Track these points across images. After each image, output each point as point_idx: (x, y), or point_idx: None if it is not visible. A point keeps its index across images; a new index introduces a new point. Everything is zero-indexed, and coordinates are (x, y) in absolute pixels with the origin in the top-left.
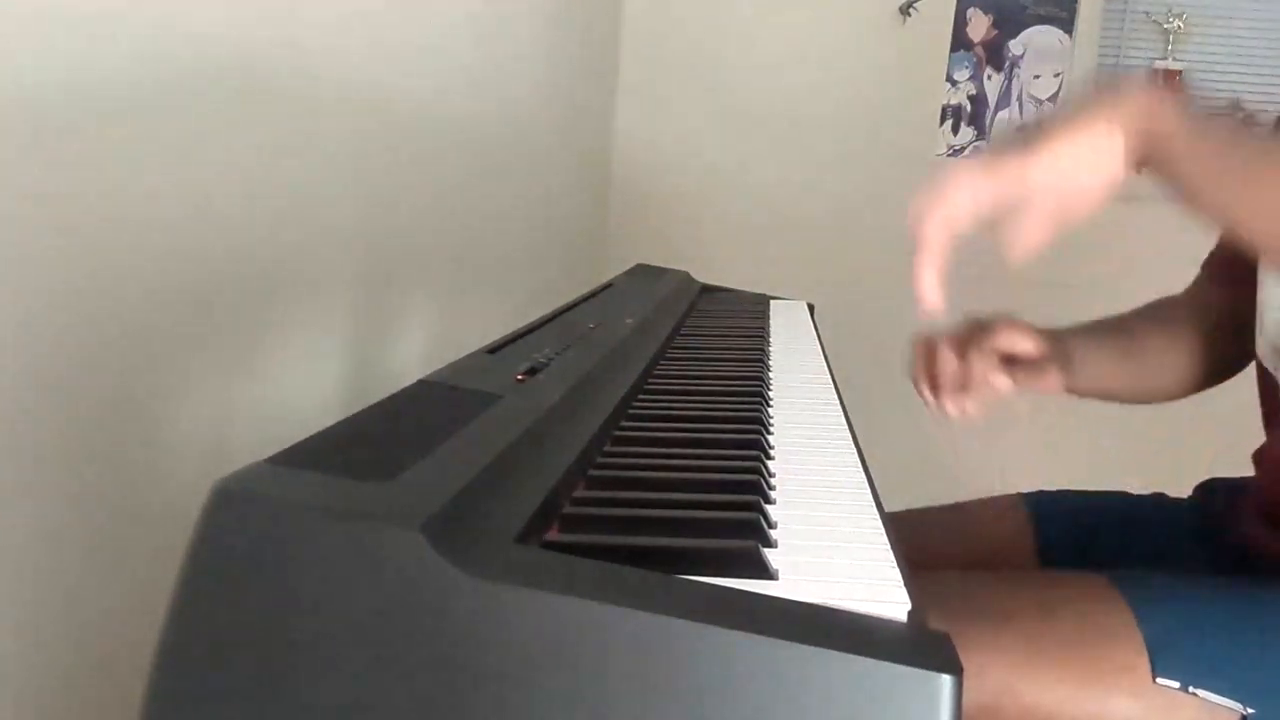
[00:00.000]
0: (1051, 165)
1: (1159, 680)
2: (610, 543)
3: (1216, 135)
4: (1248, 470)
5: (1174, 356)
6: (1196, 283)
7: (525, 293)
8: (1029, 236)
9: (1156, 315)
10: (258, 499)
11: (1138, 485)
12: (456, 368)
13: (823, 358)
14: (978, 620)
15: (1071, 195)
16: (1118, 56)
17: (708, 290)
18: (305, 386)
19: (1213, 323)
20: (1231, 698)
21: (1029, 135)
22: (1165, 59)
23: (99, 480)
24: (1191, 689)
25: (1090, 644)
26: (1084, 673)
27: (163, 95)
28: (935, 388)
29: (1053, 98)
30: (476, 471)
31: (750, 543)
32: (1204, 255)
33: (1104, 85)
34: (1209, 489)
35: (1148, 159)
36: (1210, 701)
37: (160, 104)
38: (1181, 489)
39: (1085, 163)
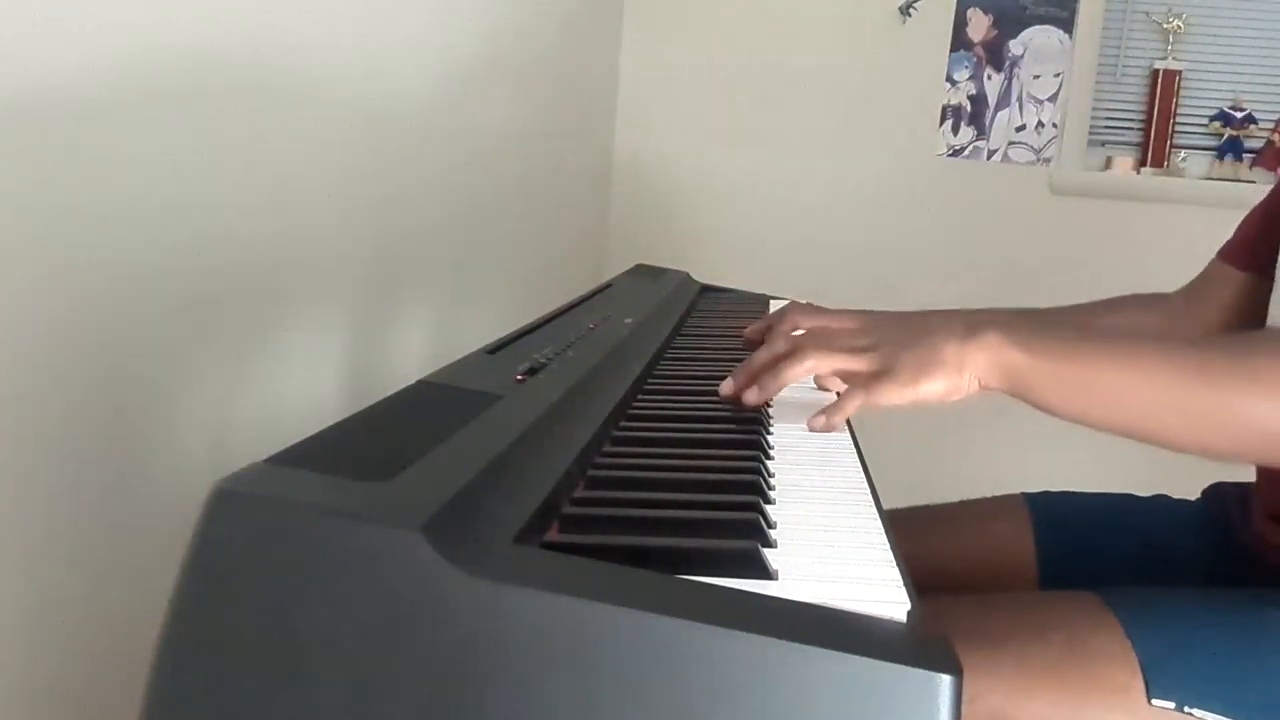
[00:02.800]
0: (900, 397)
1: (1154, 701)
2: (610, 543)
3: (1065, 358)
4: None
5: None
6: (1204, 275)
7: (525, 293)
8: (842, 411)
9: (1122, 304)
10: (258, 499)
11: (1144, 487)
12: (456, 368)
13: None
14: (969, 645)
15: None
16: (1118, 56)
17: (708, 290)
18: (305, 386)
19: (1211, 317)
20: (1228, 717)
21: (887, 352)
22: (1165, 59)
23: (99, 480)
24: (1187, 709)
25: (1084, 666)
26: (1079, 695)
27: (163, 95)
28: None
29: (1052, 98)
30: (476, 471)
31: (750, 543)
32: (1203, 255)
33: (957, 326)
34: (1216, 492)
35: (1007, 391)
36: None
37: (161, 104)
38: (1188, 492)
39: (934, 396)
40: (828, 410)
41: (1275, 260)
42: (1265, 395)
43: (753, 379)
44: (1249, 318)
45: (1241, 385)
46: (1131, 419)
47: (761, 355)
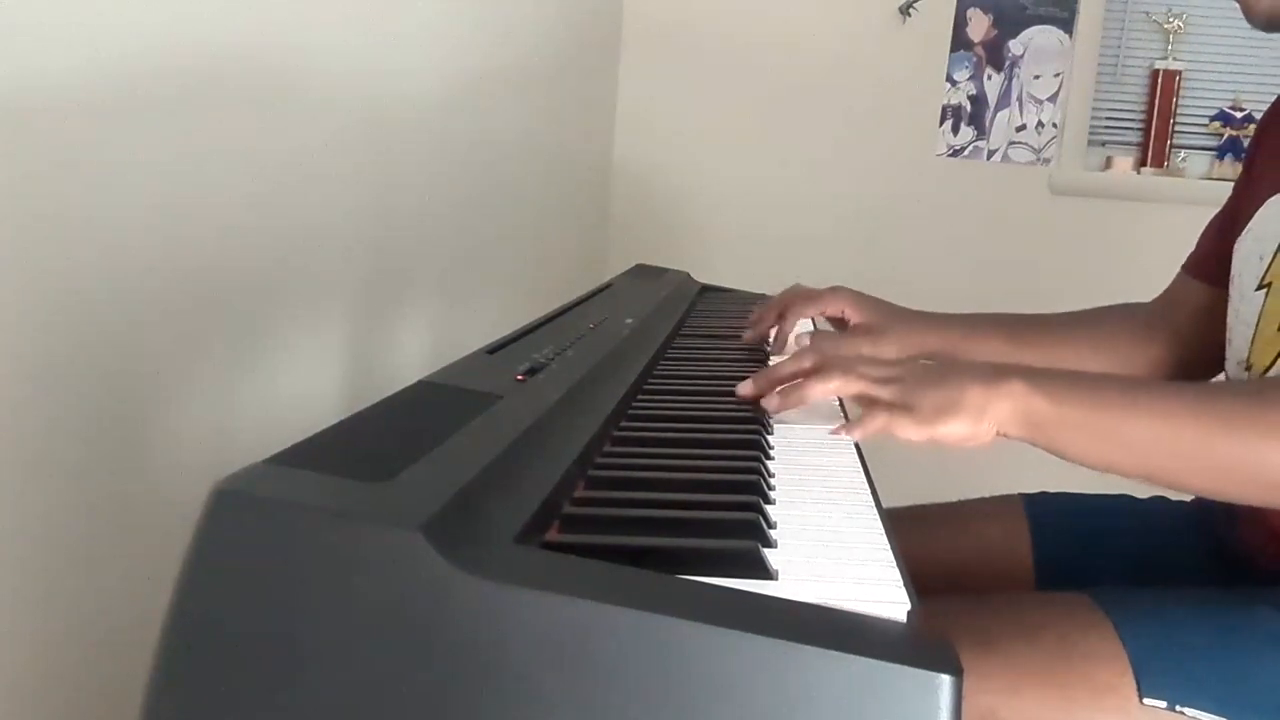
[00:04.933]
0: (918, 433)
1: (1145, 701)
2: (610, 543)
3: (1090, 407)
4: None
5: (1104, 357)
6: (1171, 287)
7: (525, 293)
8: (864, 430)
9: (1096, 316)
10: (258, 499)
11: (1141, 489)
12: (456, 368)
13: None
14: (960, 644)
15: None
16: (1118, 56)
17: (708, 290)
18: (305, 386)
19: (1183, 328)
20: (1220, 716)
21: (911, 388)
22: (1165, 59)
23: (99, 480)
24: (1179, 708)
25: (1075, 665)
26: (1069, 695)
27: (163, 95)
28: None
29: (1053, 97)
30: (476, 471)
31: (750, 543)
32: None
33: (982, 372)
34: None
35: (1028, 439)
36: None
37: (161, 104)
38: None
39: (952, 438)
40: (850, 425)
41: (1230, 272)
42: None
43: (774, 386)
44: (1220, 327)
45: (1260, 436)
46: (1155, 469)
47: (788, 367)
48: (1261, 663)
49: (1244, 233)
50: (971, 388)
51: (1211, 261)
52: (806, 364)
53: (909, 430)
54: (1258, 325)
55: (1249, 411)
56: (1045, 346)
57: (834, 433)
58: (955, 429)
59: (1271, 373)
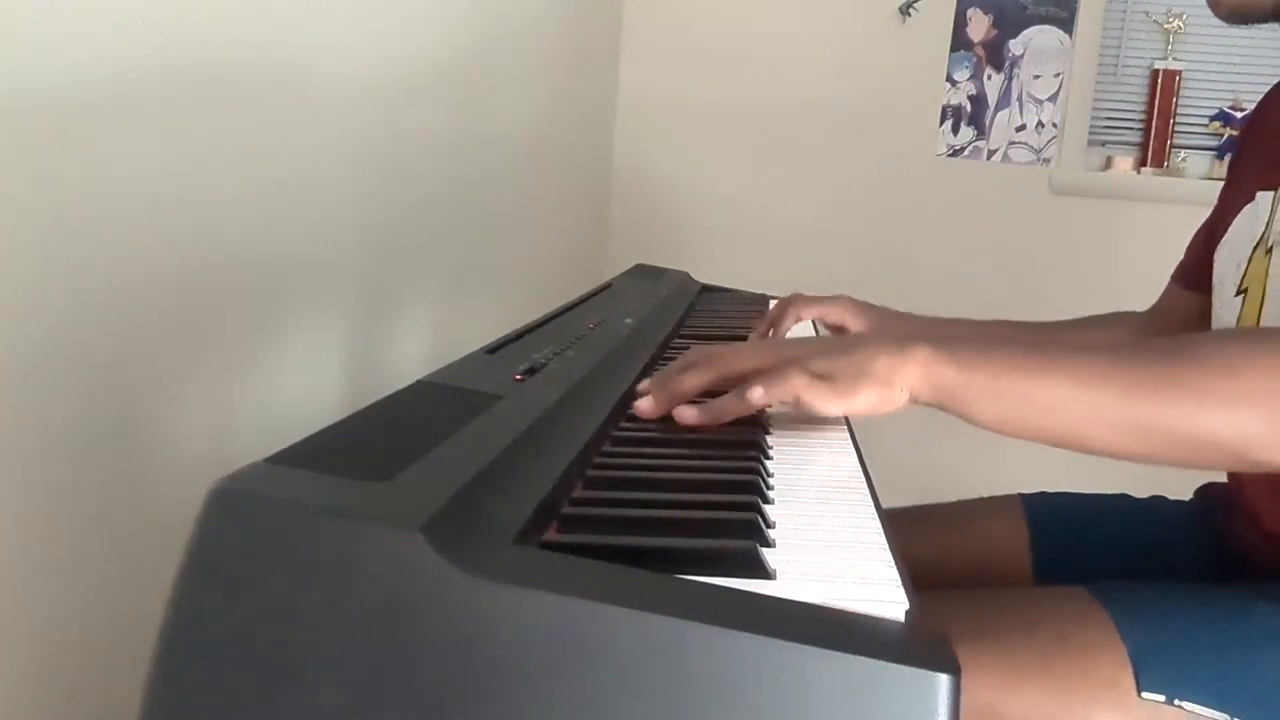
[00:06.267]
0: (834, 404)
1: (1144, 694)
2: (609, 543)
3: (995, 372)
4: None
5: None
6: (1162, 296)
7: (525, 293)
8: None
9: (1091, 324)
10: (257, 499)
11: (1139, 488)
12: (456, 368)
13: None
14: (957, 640)
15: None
16: (1118, 56)
17: (708, 290)
18: (305, 386)
19: (1180, 332)
20: (1218, 709)
21: (822, 361)
22: (1165, 59)
23: (99, 480)
24: (1177, 702)
25: (1073, 659)
26: (1067, 689)
27: (163, 95)
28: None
29: (1053, 97)
30: (476, 471)
31: (749, 543)
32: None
33: (888, 341)
34: (1205, 493)
35: (937, 404)
36: (1197, 714)
37: (161, 104)
38: (1183, 493)
39: (865, 406)
40: (757, 386)
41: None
42: (1195, 405)
43: (680, 400)
44: None
45: (1178, 395)
46: (1067, 433)
47: (680, 386)
48: (1259, 657)
49: (1222, 240)
50: (879, 356)
51: (1197, 270)
52: (700, 379)
53: (823, 402)
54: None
55: (1165, 370)
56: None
57: (746, 395)
58: (867, 399)
59: None
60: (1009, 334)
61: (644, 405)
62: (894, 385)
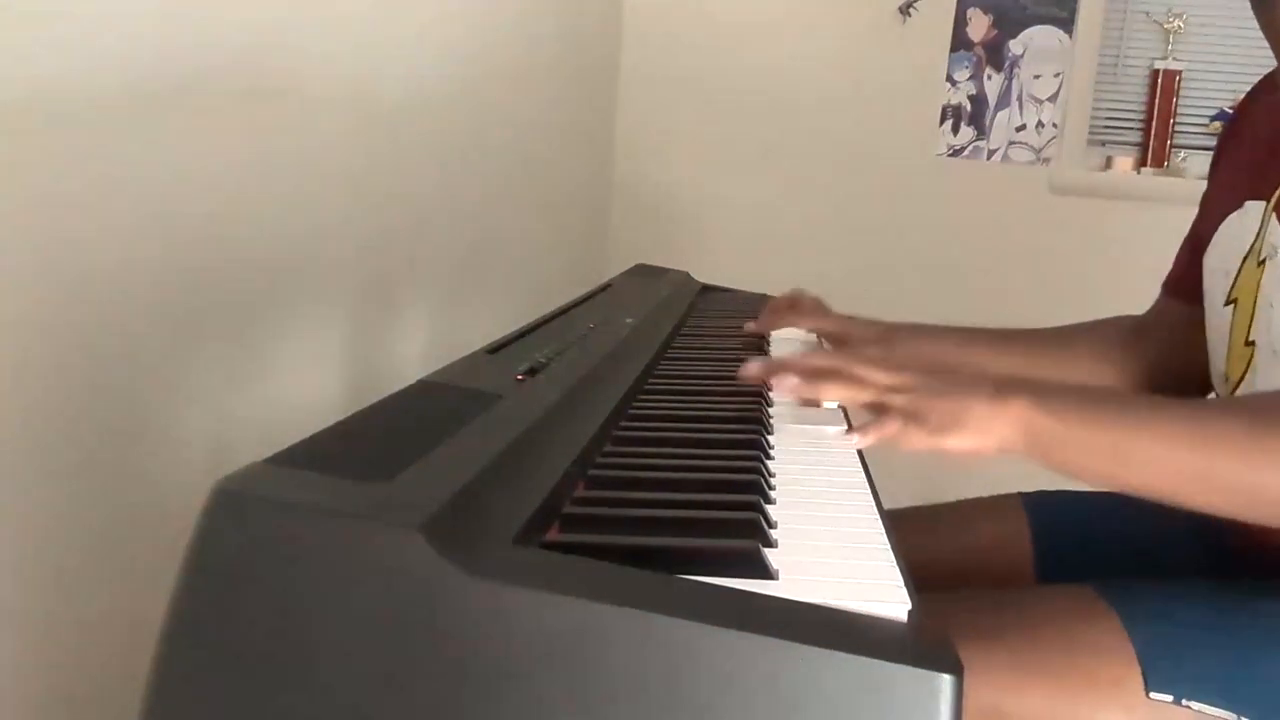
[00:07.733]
0: (923, 444)
1: (1152, 694)
2: (610, 543)
3: (1094, 426)
4: None
5: (1092, 371)
6: (1154, 305)
7: (525, 293)
8: (877, 433)
9: (1075, 334)
10: (257, 499)
11: None
12: (456, 368)
13: None
14: (963, 640)
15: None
16: (1118, 56)
17: (708, 290)
18: (305, 386)
19: (1165, 344)
20: (1226, 709)
21: (919, 399)
22: (1165, 59)
23: (99, 480)
24: (1185, 701)
25: (1080, 659)
26: (1075, 689)
27: (163, 95)
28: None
29: (1053, 97)
30: (476, 471)
31: (750, 542)
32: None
33: (986, 386)
34: None
35: (1030, 456)
36: (1205, 714)
37: (161, 104)
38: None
39: (956, 450)
40: (859, 430)
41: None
42: (1263, 463)
43: (783, 372)
44: (1202, 342)
45: (1261, 461)
46: (1156, 488)
47: (799, 363)
48: (1268, 656)
49: (1209, 250)
50: (977, 404)
51: (1186, 281)
52: (819, 364)
53: (915, 441)
54: (1230, 339)
55: (1247, 436)
56: (1034, 360)
57: (844, 435)
58: (960, 443)
59: (1243, 384)
60: (1092, 388)
61: (753, 367)
62: (989, 434)
